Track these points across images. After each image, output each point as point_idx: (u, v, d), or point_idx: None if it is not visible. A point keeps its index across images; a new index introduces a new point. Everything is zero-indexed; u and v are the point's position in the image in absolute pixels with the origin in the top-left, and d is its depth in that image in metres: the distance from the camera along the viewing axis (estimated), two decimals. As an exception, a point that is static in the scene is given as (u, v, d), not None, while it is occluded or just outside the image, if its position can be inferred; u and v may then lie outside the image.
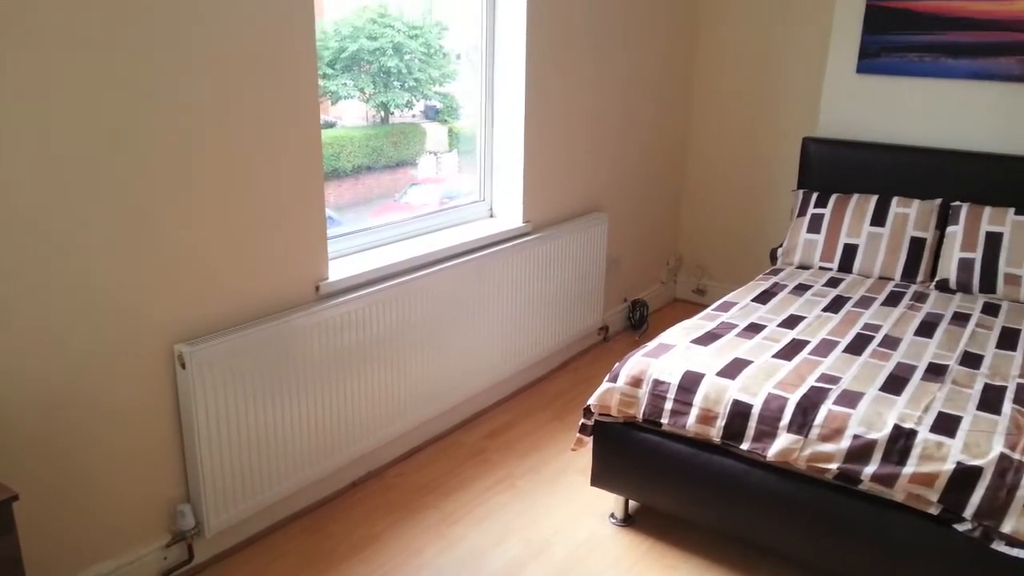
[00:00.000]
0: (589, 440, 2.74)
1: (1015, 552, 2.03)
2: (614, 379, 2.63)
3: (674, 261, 4.88)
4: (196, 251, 2.26)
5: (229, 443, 2.38)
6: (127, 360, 2.17)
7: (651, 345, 2.76)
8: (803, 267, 3.74)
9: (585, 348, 4.19)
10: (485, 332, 3.29)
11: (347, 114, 3.17)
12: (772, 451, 2.32)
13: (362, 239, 2.99)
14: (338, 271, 2.73)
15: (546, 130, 3.51)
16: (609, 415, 2.66)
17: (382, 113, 3.26)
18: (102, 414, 2.14)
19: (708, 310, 3.13)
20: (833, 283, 3.47)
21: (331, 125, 3.09)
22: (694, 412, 2.46)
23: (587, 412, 2.71)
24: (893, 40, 3.76)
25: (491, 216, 3.55)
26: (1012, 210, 3.41)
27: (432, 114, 3.45)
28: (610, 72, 3.86)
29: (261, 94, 2.32)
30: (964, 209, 3.50)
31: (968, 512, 2.08)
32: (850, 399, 2.34)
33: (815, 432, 2.27)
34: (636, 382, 2.59)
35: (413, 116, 3.38)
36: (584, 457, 3.10)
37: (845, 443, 2.22)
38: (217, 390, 2.31)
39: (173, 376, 2.28)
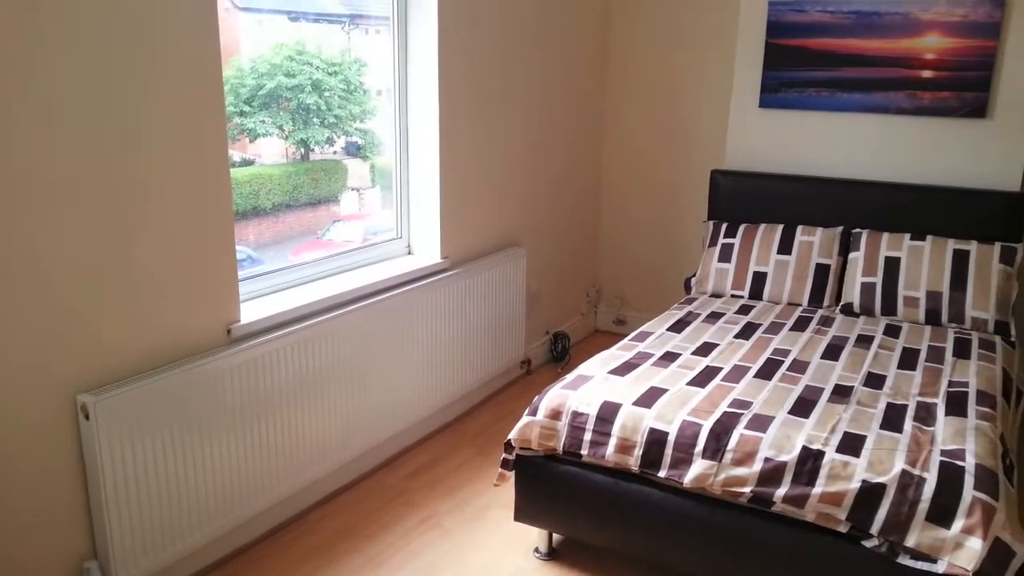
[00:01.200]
0: (511, 475, 2.74)
1: (919, 565, 2.10)
2: (534, 412, 2.65)
3: (594, 293, 4.95)
4: (94, 299, 2.19)
5: (138, 494, 2.30)
6: (26, 414, 2.08)
7: (569, 377, 2.78)
8: (716, 295, 3.84)
9: (508, 382, 4.20)
10: (405, 370, 3.27)
11: (266, 151, 3.14)
12: (688, 477, 2.36)
13: (280, 278, 2.95)
14: (252, 313, 2.68)
15: (461, 166, 3.55)
16: (530, 448, 2.67)
17: (302, 150, 3.25)
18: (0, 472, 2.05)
19: (625, 340, 3.18)
20: (744, 310, 3.57)
21: (249, 163, 3.06)
22: (612, 442, 2.49)
23: (508, 446, 2.71)
24: (791, 76, 3.94)
25: (409, 253, 3.55)
26: (908, 235, 3.59)
27: (354, 150, 3.45)
28: (523, 108, 3.93)
29: (164, 136, 2.29)
30: (864, 236, 3.66)
31: (874, 528, 2.15)
32: (761, 423, 2.41)
33: (728, 457, 2.33)
34: (555, 415, 2.61)
35: (334, 153, 3.38)
36: (508, 492, 3.09)
37: (757, 466, 2.28)
38: (123, 440, 2.23)
39: (76, 428, 2.19)
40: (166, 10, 2.23)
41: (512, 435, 2.68)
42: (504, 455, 2.73)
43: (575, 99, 4.38)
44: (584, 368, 2.86)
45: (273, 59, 3.01)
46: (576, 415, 2.57)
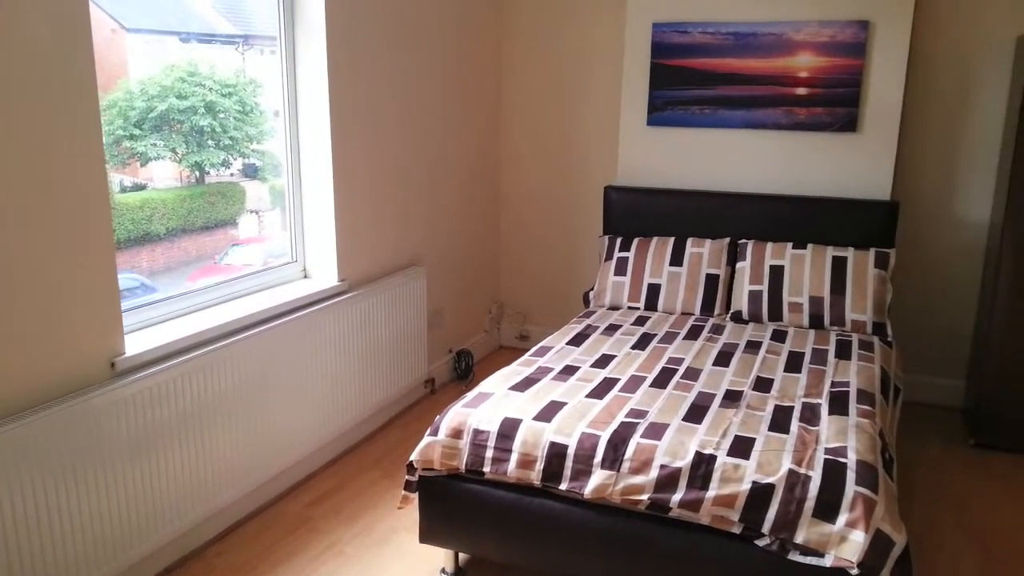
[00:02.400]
0: (415, 496, 2.72)
1: (808, 560, 2.19)
2: (435, 432, 2.64)
3: (496, 309, 4.98)
4: (-32, 334, 2.07)
5: (17, 540, 2.17)
6: None
7: (470, 395, 2.79)
8: (614, 308, 3.92)
9: (412, 402, 4.18)
10: (305, 396, 3.21)
11: (159, 175, 3.04)
12: (588, 488, 2.40)
13: (172, 306, 2.85)
14: (139, 343, 2.58)
15: (356, 187, 3.52)
16: (433, 469, 2.66)
17: (197, 173, 3.16)
18: None
19: (526, 356, 3.21)
20: (641, 321, 3.66)
21: (141, 187, 2.96)
22: (514, 458, 2.51)
23: (410, 468, 2.69)
24: (676, 95, 4.08)
25: (305, 277, 3.49)
26: (790, 244, 3.76)
27: (251, 172, 3.38)
28: (419, 128, 3.93)
29: (34, 162, 2.18)
30: (750, 246, 3.82)
31: (766, 527, 2.23)
32: (656, 431, 2.47)
33: (626, 466, 2.37)
34: (456, 433, 2.61)
35: (231, 175, 3.30)
36: (413, 514, 3.06)
37: (653, 474, 2.34)
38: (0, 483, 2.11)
39: (-55, 474, 2.06)
40: (36, 34, 2.13)
41: (414, 456, 2.67)
42: (407, 477, 2.71)
43: (471, 118, 4.42)
44: (485, 385, 2.88)
45: (163, 81, 2.93)
46: (477, 433, 2.58)
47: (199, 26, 3.10)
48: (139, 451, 2.51)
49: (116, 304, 2.47)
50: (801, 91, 3.86)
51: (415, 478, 2.69)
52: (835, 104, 3.82)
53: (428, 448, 2.64)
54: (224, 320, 2.86)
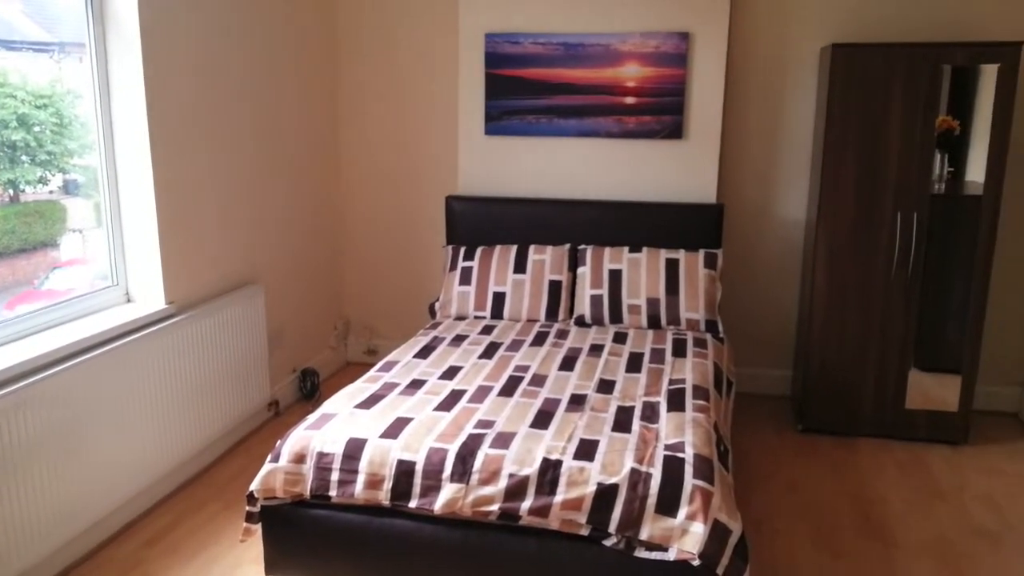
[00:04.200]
0: (257, 527, 2.59)
1: (654, 555, 2.25)
2: (276, 458, 2.53)
3: (342, 325, 4.86)
4: None
5: None
6: None
7: (313, 417, 2.70)
8: (460, 318, 3.91)
9: (256, 427, 4.00)
10: (133, 430, 2.99)
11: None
12: (438, 504, 2.37)
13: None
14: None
15: (183, 204, 3.33)
16: (275, 497, 2.54)
17: (11, 191, 2.90)
18: None
19: (371, 371, 3.14)
20: (487, 330, 3.67)
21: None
22: (361, 479, 2.44)
23: (251, 499, 2.57)
24: (512, 104, 4.14)
25: (128, 301, 3.26)
26: (627, 248, 3.88)
27: (73, 189, 3.13)
28: (251, 141, 3.78)
29: None
30: (589, 251, 3.91)
31: (612, 527, 2.28)
32: (504, 440, 2.47)
33: (475, 478, 2.36)
34: (299, 458, 2.51)
35: (50, 192, 3.04)
36: (258, 545, 2.92)
37: (502, 483, 2.34)
38: None
39: None
40: None
41: (254, 486, 2.54)
42: (248, 508, 2.58)
43: (307, 130, 4.29)
44: (328, 405, 2.79)
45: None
46: (321, 456, 2.49)
47: (6, 32, 2.84)
48: (-63, 505, 2.25)
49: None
50: (630, 100, 4.01)
51: (256, 508, 2.57)
52: (662, 112, 3.98)
53: (269, 476, 2.52)
54: (35, 353, 2.62)
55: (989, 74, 3.43)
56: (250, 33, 3.72)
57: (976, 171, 3.52)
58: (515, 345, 3.45)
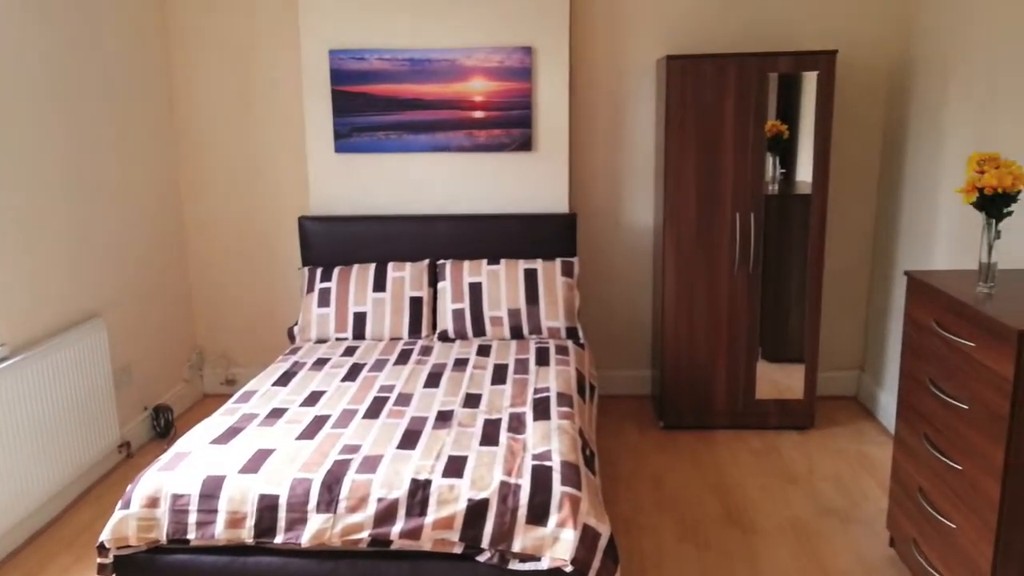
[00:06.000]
0: (110, 580, 2.43)
1: (527, 566, 2.27)
2: (127, 505, 2.38)
3: (196, 356, 4.64)
4: None
5: None
6: None
7: (166, 457, 2.55)
8: (321, 341, 3.82)
9: (107, 471, 3.75)
10: (-39, 487, 2.74)
11: None
12: (306, 536, 2.29)
13: None
14: None
15: (6, 238, 3.08)
16: (129, 546, 2.39)
17: None
18: None
19: (228, 403, 3.01)
20: (350, 352, 3.60)
21: None
22: (221, 518, 2.33)
23: (102, 549, 2.40)
24: (361, 121, 4.09)
25: (-50, 348, 2.99)
26: (485, 261, 3.91)
27: None
28: (83, 167, 3.54)
29: None
30: (448, 266, 3.91)
31: (485, 542, 2.28)
32: (371, 464, 2.43)
33: (343, 506, 2.30)
34: (152, 502, 2.37)
35: None
36: (113, 599, 2.74)
37: (371, 509, 2.29)
38: None
39: None
40: None
41: (104, 536, 2.38)
42: (99, 559, 2.41)
43: (139, 156, 4.07)
44: (183, 444, 2.65)
45: None
46: (177, 498, 2.36)
47: None
48: None
49: None
50: (479, 114, 4.04)
51: (108, 560, 2.40)
52: (511, 126, 4.04)
53: (121, 523, 2.37)
54: None
55: (810, 80, 3.68)
56: (66, 52, 3.50)
57: (805, 172, 3.77)
58: (379, 365, 3.40)
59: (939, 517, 2.44)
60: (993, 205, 2.38)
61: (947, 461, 2.39)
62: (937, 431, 2.47)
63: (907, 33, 3.87)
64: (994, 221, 2.40)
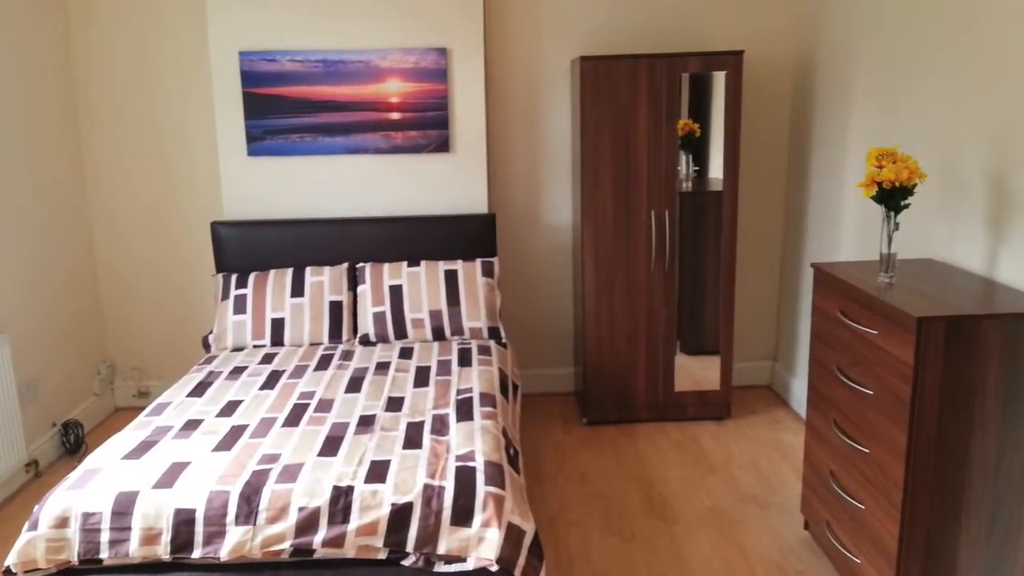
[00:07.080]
0: (18, 607, 2.32)
1: (453, 568, 2.27)
2: (34, 526, 2.28)
3: (106, 369, 4.47)
4: None
5: None
6: None
7: (75, 475, 2.46)
8: (238, 349, 3.73)
9: (13, 492, 3.58)
10: None
11: None
12: (225, 550, 2.24)
13: None
14: None
15: None
16: (38, 569, 2.29)
17: None
18: None
19: (140, 417, 2.92)
20: (268, 359, 3.53)
21: None
22: (135, 535, 2.26)
23: (8, 574, 2.29)
24: (274, 124, 4.01)
25: None
26: (405, 263, 3.88)
27: None
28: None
29: None
30: (368, 269, 3.88)
31: (410, 546, 2.27)
32: (291, 473, 2.39)
33: (263, 517, 2.26)
34: (62, 522, 2.28)
35: None
36: (22, 625, 2.62)
37: (292, 519, 2.25)
38: None
39: None
40: None
41: (10, 560, 2.28)
42: (4, 586, 2.31)
43: (37, 164, 3.90)
44: (92, 460, 2.55)
45: None
46: (88, 516, 2.28)
47: None
48: None
49: None
50: (395, 116, 4.02)
51: (16, 585, 2.30)
52: (428, 127, 4.03)
53: (28, 546, 2.27)
54: None
55: (720, 80, 3.78)
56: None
57: (717, 169, 3.87)
58: (298, 371, 3.35)
59: (849, 499, 2.55)
60: (891, 198, 2.49)
61: (855, 445, 2.49)
62: (845, 416, 2.57)
63: (811, 33, 4.02)
64: (893, 213, 2.51)
